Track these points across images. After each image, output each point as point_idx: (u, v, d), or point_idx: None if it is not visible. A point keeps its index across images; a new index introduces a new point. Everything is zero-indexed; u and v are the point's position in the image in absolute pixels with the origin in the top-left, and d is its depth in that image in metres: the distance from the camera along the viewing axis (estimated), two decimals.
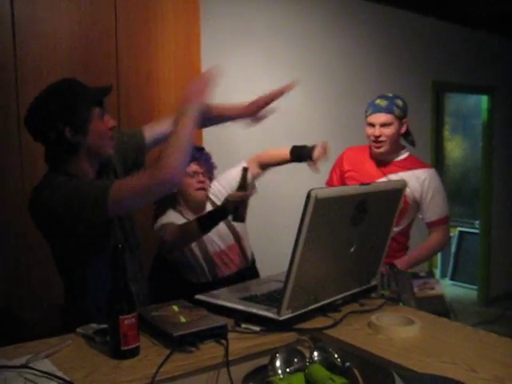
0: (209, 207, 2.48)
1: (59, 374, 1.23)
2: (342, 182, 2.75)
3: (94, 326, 1.52)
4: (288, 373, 1.28)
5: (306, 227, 1.39)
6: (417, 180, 2.54)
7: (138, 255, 1.90)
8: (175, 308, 1.54)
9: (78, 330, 1.51)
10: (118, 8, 2.61)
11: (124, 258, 1.36)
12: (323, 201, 1.40)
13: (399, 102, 2.55)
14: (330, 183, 2.83)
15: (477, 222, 6.21)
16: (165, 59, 2.78)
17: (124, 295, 1.34)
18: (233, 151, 3.43)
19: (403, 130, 2.58)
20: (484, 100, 5.77)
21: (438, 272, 6.86)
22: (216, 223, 2.18)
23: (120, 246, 1.35)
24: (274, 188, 3.67)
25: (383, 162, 2.63)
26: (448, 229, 2.67)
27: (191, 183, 2.39)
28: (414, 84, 4.90)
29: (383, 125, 2.51)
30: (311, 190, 1.36)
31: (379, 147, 2.56)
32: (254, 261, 2.65)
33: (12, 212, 2.33)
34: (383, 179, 2.55)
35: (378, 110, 2.52)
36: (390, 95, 2.59)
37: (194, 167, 2.39)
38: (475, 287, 6.07)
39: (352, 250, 1.62)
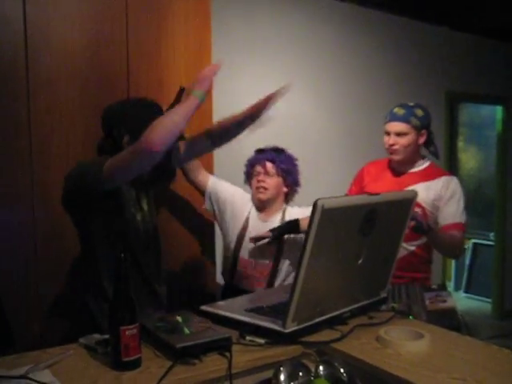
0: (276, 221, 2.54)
1: None
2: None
3: (97, 336, 1.50)
4: None
5: (313, 237, 1.36)
6: (433, 190, 2.44)
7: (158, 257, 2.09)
8: (179, 319, 1.52)
9: (81, 340, 1.49)
10: (129, 16, 2.61)
11: (127, 267, 1.34)
12: (330, 211, 1.37)
13: (419, 112, 2.47)
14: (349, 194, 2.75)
15: (491, 233, 6.12)
16: (176, 67, 2.77)
17: (126, 305, 1.31)
18: (244, 160, 3.42)
19: (421, 140, 2.50)
20: (498, 110, 5.71)
21: (451, 284, 6.78)
22: None
23: (123, 255, 1.33)
24: None
25: (400, 173, 2.56)
26: (463, 236, 2.46)
27: (252, 183, 2.56)
28: (428, 94, 4.85)
29: (398, 134, 2.44)
30: (318, 199, 1.34)
31: (393, 154, 2.50)
32: None
33: (22, 217, 2.33)
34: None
35: (395, 118, 2.46)
36: (411, 104, 2.51)
37: (256, 168, 2.54)
38: (489, 300, 5.97)
39: (360, 261, 1.59)
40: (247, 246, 2.49)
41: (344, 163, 3.81)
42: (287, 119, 3.84)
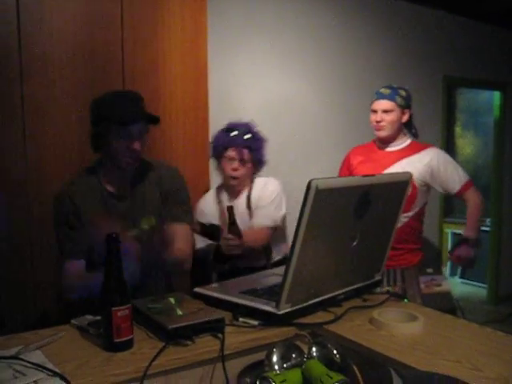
0: (243, 198, 2.53)
1: (49, 365, 1.20)
2: None
3: (89, 317, 1.49)
4: (285, 368, 1.23)
5: (306, 219, 1.34)
6: (421, 162, 2.65)
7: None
8: (172, 300, 1.51)
9: (73, 321, 1.49)
10: None
11: (118, 248, 1.32)
12: (324, 192, 1.35)
13: (402, 92, 2.70)
14: None
15: (488, 219, 6.12)
16: (171, 51, 2.75)
17: (117, 286, 1.30)
18: None
19: (405, 118, 2.72)
20: (496, 96, 5.68)
21: (447, 270, 6.79)
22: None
23: (114, 235, 1.31)
24: (286, 179, 3.64)
25: (385, 151, 2.76)
26: (477, 190, 2.78)
27: (225, 168, 2.48)
28: (425, 79, 4.83)
29: (385, 111, 2.66)
30: (311, 180, 1.32)
31: (379, 130, 2.70)
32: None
33: (15, 201, 2.32)
34: (391, 167, 2.66)
35: (381, 97, 2.69)
36: (395, 86, 2.74)
37: (230, 153, 2.45)
38: (485, 285, 5.99)
39: (355, 243, 1.57)
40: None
41: (341, 145, 3.77)
42: (285, 102, 3.82)
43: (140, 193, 1.94)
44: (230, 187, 2.55)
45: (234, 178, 2.46)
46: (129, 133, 1.80)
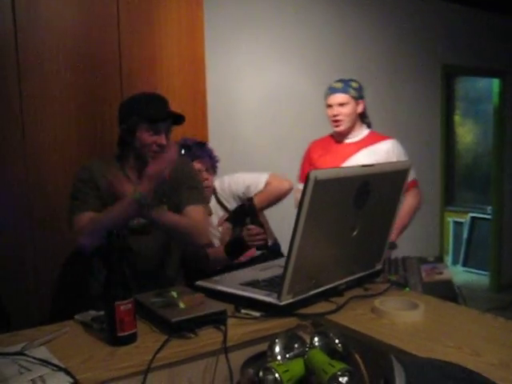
0: (213, 202, 2.54)
1: (54, 360, 1.21)
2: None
3: (93, 312, 1.50)
4: (288, 358, 1.25)
5: (306, 210, 1.35)
6: (378, 153, 2.67)
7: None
8: (174, 294, 1.52)
9: (76, 317, 1.50)
10: None
11: (120, 243, 1.33)
12: (323, 182, 1.36)
13: (354, 84, 2.75)
14: (302, 177, 2.88)
15: (489, 207, 6.13)
16: (168, 46, 2.74)
17: (119, 280, 1.31)
18: (241, 142, 3.41)
19: (360, 109, 2.76)
20: (495, 83, 5.67)
21: (449, 258, 6.81)
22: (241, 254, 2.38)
23: (115, 231, 1.32)
24: (286, 172, 3.64)
25: (344, 144, 2.80)
26: (417, 191, 2.79)
27: None
28: (424, 67, 4.82)
29: (340, 104, 2.71)
30: (310, 171, 1.33)
31: (338, 126, 2.73)
32: (278, 247, 2.68)
33: (16, 201, 2.32)
34: (350, 158, 2.70)
35: (335, 91, 2.74)
36: (346, 79, 2.79)
37: (197, 165, 2.42)
38: (487, 273, 6.00)
39: (355, 233, 1.58)
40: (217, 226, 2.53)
41: None
42: (284, 96, 3.82)
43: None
44: None
45: (207, 187, 2.46)
46: (157, 129, 1.94)
